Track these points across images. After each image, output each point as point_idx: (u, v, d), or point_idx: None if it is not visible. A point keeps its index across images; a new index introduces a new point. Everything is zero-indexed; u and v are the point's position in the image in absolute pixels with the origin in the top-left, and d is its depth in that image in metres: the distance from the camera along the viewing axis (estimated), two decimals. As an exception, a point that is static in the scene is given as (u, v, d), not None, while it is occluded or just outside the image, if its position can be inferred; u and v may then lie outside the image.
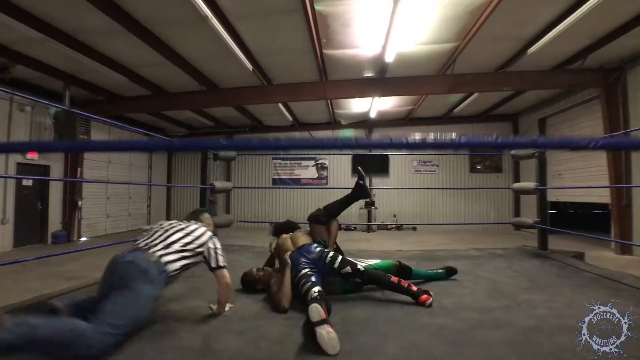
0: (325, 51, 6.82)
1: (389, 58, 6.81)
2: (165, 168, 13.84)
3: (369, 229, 11.94)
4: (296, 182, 13.19)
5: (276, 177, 13.37)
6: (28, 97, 2.99)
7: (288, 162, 13.51)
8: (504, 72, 7.70)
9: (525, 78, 7.82)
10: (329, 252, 2.62)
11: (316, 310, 1.80)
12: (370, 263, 2.83)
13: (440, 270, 3.09)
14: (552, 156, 10.91)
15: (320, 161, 13.39)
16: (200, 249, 2.23)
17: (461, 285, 2.90)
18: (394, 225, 12.29)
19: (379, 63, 7.35)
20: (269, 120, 12.54)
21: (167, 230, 2.24)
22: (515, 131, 12.55)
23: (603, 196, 8.67)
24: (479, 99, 9.71)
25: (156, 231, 2.24)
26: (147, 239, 2.15)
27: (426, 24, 5.89)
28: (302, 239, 2.80)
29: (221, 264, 2.24)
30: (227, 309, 2.25)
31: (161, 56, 6.59)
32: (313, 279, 2.35)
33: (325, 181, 13.12)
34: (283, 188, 13.10)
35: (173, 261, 2.05)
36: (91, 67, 6.93)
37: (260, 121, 12.58)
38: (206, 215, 2.64)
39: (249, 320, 2.10)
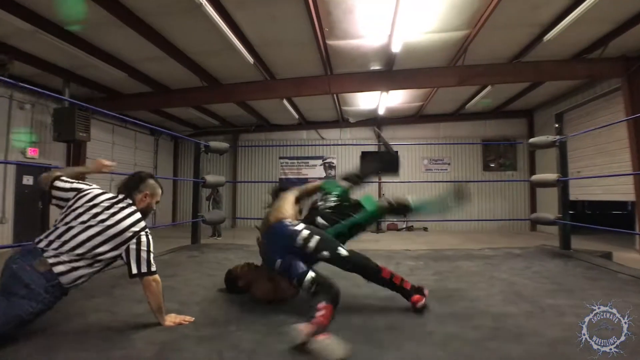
0: (328, 42, 6.51)
1: (396, 48, 6.46)
2: (171, 167, 13.69)
3: (378, 229, 11.56)
4: (304, 182, 12.87)
5: (283, 176, 13.10)
6: (30, 87, 2.75)
7: (295, 161, 13.23)
8: (518, 62, 7.28)
9: (542, 68, 7.38)
10: (301, 230, 2.06)
11: (295, 332, 1.47)
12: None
13: (445, 197, 2.43)
14: (571, 152, 10.35)
15: (328, 160, 13.07)
16: (114, 253, 1.76)
17: (475, 287, 2.54)
18: (404, 226, 11.89)
19: (385, 54, 7.01)
20: (275, 119, 12.29)
21: (74, 223, 1.73)
22: (530, 127, 12.05)
23: (627, 194, 8.15)
24: (492, 94, 9.25)
25: (65, 217, 1.77)
26: (49, 234, 1.73)
27: (434, 10, 5.54)
28: (282, 210, 2.22)
29: (144, 269, 1.77)
30: (177, 320, 1.81)
31: (159, 49, 6.38)
32: (299, 266, 1.91)
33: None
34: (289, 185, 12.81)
35: (68, 272, 1.66)
36: (89, 63, 6.76)
37: (267, 120, 12.34)
38: (149, 184, 1.98)
39: (219, 326, 1.78)
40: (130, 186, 1.96)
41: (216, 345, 1.57)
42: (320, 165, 13.09)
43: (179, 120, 11.81)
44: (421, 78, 7.78)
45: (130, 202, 1.90)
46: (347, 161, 12.90)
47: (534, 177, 4.04)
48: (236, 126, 12.93)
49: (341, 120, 12.34)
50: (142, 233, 1.82)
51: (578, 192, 10.13)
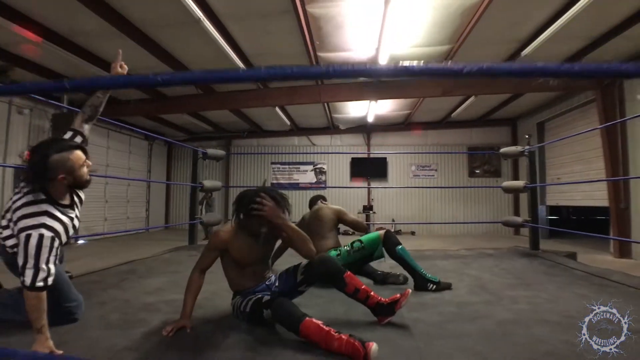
0: (319, 54, 6.85)
1: (383, 61, 6.82)
2: (165, 171, 13.88)
3: (366, 232, 11.86)
4: (295, 187, 13.19)
5: (275, 181, 13.37)
6: (30, 95, 3.00)
7: (287, 166, 13.51)
8: (499, 75, 7.69)
9: (521, 81, 7.81)
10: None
11: None
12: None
13: (430, 276, 2.68)
14: (551, 159, 10.87)
15: (318, 166, 13.38)
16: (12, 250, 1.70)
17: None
18: (392, 229, 12.21)
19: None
20: (268, 125, 12.58)
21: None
22: (514, 135, 12.54)
23: (602, 200, 8.60)
24: (477, 103, 9.70)
25: None
26: None
27: (418, 26, 5.91)
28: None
29: (26, 281, 1.50)
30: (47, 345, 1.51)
31: (157, 59, 6.65)
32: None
33: (323, 185, 13.11)
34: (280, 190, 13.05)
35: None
36: (88, 70, 6.99)
37: (259, 126, 12.63)
38: (55, 163, 1.62)
39: (223, 313, 2.07)
40: (38, 179, 1.63)
41: (221, 328, 1.85)
42: (311, 170, 13.40)
43: (173, 125, 12.03)
44: (408, 89, 8.16)
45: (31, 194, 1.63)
46: (338, 167, 13.23)
47: (505, 184, 4.39)
48: (229, 132, 13.19)
49: (332, 127, 12.68)
50: (38, 230, 1.54)
51: (559, 197, 10.61)
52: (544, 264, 3.54)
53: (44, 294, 1.54)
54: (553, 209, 11.69)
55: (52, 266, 1.56)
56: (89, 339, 1.69)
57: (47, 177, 1.62)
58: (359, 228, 3.04)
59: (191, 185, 4.43)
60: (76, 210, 1.82)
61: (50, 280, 1.55)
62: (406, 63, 0.88)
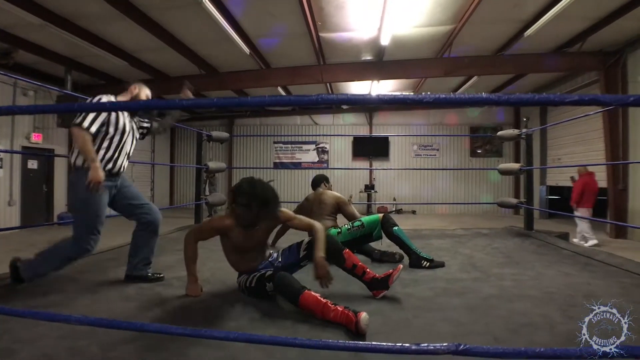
0: (321, 34, 6.84)
1: (385, 41, 6.82)
2: (168, 152, 14.03)
3: (368, 212, 12.08)
4: (297, 166, 13.33)
5: (277, 160, 13.51)
6: (31, 81, 3.09)
7: (289, 145, 13.61)
8: (501, 55, 7.67)
9: (524, 61, 7.79)
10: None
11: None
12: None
13: (424, 254, 2.82)
14: (553, 140, 10.92)
15: (321, 145, 13.47)
16: None
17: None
18: (393, 209, 12.42)
19: (375, 46, 7.36)
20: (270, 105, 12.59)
21: None
22: (517, 116, 12.52)
23: (602, 180, 8.69)
24: (479, 83, 9.66)
25: None
26: None
27: (421, 6, 5.88)
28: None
29: (77, 120, 2.15)
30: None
31: (159, 40, 6.67)
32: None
33: (325, 165, 13.24)
34: (282, 169, 13.24)
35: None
36: (91, 52, 7.04)
37: (262, 105, 12.65)
38: (139, 85, 2.58)
39: (229, 285, 2.25)
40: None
41: (229, 301, 2.03)
42: (314, 150, 13.50)
43: (176, 105, 12.08)
44: (410, 69, 8.15)
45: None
46: (340, 146, 13.30)
47: (501, 166, 4.49)
48: (232, 111, 13.23)
49: (334, 106, 12.69)
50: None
51: (558, 178, 10.72)
52: (534, 244, 3.69)
53: (89, 135, 2.14)
54: (555, 189, 11.80)
55: (95, 119, 2.19)
56: (112, 310, 1.88)
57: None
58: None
59: (196, 167, 4.56)
60: (126, 117, 2.43)
61: (86, 124, 2.14)
62: (380, 94, 1.13)
